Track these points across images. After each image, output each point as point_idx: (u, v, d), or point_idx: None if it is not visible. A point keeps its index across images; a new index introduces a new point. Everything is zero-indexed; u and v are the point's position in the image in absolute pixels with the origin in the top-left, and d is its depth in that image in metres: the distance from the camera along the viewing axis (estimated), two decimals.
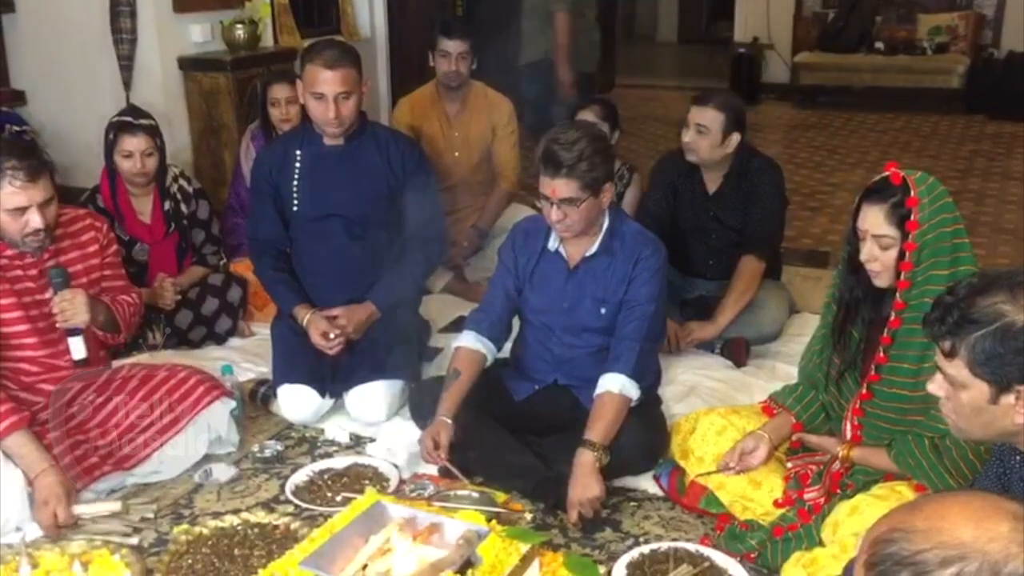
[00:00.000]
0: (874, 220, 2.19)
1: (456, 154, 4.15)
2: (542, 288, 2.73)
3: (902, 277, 2.19)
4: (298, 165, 3.12)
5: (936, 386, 1.61)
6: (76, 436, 2.58)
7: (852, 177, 6.32)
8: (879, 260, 2.20)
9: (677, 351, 3.40)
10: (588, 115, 3.75)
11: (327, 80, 2.93)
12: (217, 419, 2.74)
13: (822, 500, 2.31)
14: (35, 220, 2.44)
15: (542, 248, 2.73)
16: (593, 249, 2.66)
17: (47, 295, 2.56)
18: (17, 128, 5.02)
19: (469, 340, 2.74)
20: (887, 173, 2.21)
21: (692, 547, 2.34)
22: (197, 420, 2.70)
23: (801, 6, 9.43)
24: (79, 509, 2.47)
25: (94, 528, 2.46)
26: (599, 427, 2.51)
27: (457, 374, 2.67)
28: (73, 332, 2.54)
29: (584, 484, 2.45)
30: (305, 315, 3.08)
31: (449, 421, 2.59)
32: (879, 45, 8.92)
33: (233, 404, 2.79)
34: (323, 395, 3.04)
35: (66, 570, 2.22)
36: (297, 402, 3.03)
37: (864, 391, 2.30)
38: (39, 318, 2.55)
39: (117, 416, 2.66)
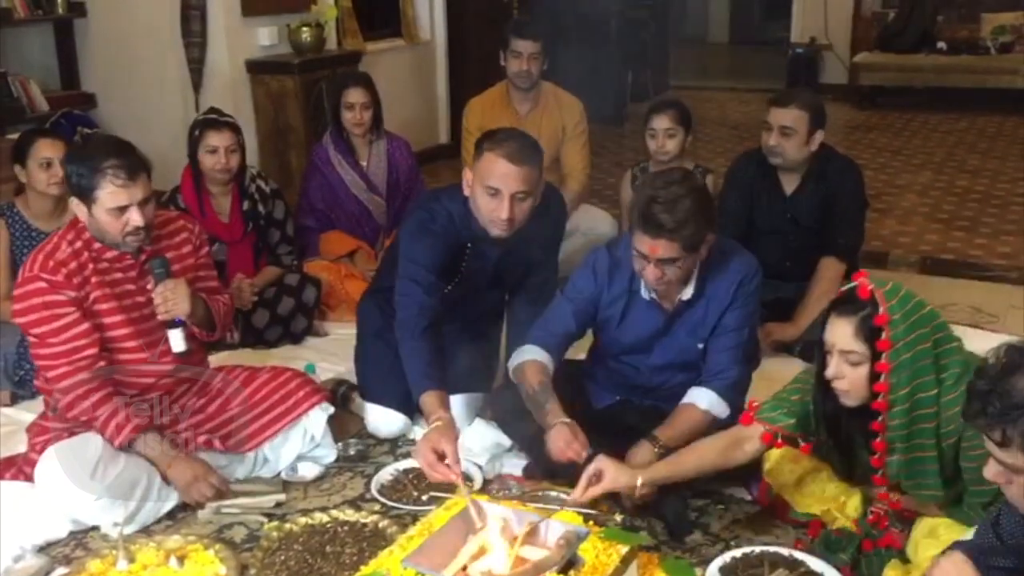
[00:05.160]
0: (842, 334, 2.02)
1: None
2: (633, 331, 2.61)
3: (880, 398, 2.02)
4: (467, 257, 2.83)
5: (994, 473, 1.55)
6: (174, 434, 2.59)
7: (919, 178, 6.22)
8: (846, 378, 2.05)
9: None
10: (663, 120, 3.67)
11: (508, 175, 2.57)
12: (315, 424, 2.74)
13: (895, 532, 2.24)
14: (135, 218, 2.43)
15: (630, 291, 2.57)
16: (689, 293, 2.53)
17: (146, 295, 2.55)
18: (88, 130, 5.11)
19: (533, 353, 2.61)
20: (854, 284, 2.04)
21: (785, 551, 2.30)
22: (295, 425, 2.71)
23: (860, 5, 9.30)
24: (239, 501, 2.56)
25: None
26: (671, 432, 2.44)
27: (544, 386, 2.54)
28: (173, 324, 2.53)
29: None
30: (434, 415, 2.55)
31: (572, 421, 2.45)
32: (941, 45, 8.78)
33: (332, 410, 2.78)
34: (412, 419, 2.98)
35: (162, 564, 2.24)
36: (385, 422, 2.99)
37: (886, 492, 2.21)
38: (139, 320, 2.56)
39: (216, 420, 2.67)
